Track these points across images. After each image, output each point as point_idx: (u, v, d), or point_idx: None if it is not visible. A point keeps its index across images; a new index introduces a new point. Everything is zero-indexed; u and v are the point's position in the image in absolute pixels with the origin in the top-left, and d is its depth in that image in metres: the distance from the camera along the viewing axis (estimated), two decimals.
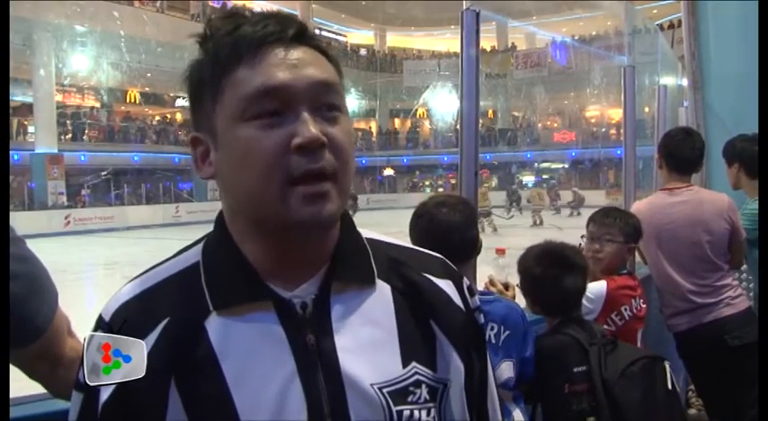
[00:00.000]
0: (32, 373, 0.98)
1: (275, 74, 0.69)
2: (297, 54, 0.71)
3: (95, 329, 0.74)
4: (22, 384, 1.02)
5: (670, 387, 1.71)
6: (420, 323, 0.77)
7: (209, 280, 0.74)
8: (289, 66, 0.70)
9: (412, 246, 0.87)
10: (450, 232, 1.59)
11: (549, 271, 1.86)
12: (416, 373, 0.74)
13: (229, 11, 0.74)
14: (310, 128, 0.68)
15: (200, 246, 0.78)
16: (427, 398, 0.74)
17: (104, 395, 0.70)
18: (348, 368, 0.71)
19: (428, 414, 0.73)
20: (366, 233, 0.82)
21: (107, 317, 0.74)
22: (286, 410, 0.69)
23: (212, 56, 0.72)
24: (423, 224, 1.64)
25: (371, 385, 0.71)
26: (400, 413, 0.72)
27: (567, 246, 1.95)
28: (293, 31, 0.72)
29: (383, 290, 0.77)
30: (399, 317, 0.76)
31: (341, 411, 0.70)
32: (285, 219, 0.69)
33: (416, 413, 0.73)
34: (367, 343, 0.74)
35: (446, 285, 0.81)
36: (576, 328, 1.81)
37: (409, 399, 0.73)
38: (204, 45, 0.74)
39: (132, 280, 0.78)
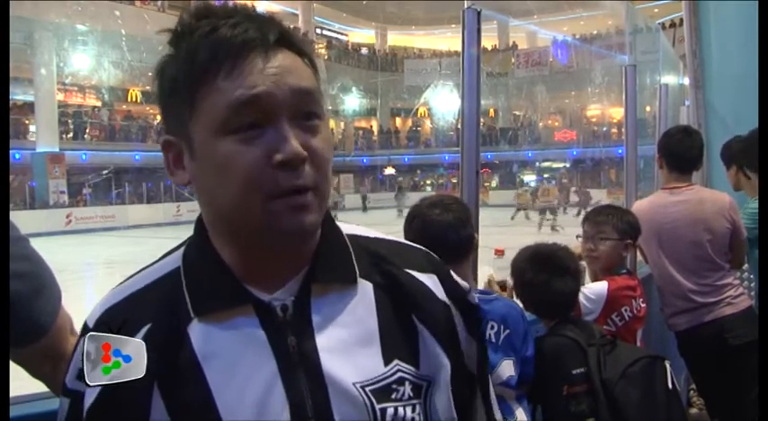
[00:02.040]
0: (36, 372, 0.98)
1: (255, 84, 0.67)
2: (277, 61, 0.69)
3: (82, 335, 0.75)
4: (22, 383, 1.02)
5: (670, 386, 1.71)
6: (402, 320, 0.77)
7: (190, 286, 0.74)
8: (269, 75, 0.68)
9: (395, 239, 0.86)
10: (444, 232, 1.59)
11: (540, 274, 1.87)
12: (399, 371, 0.74)
13: (203, 8, 0.71)
14: (292, 143, 0.67)
15: (181, 250, 0.78)
16: (411, 394, 0.74)
17: (89, 400, 0.71)
18: (330, 368, 0.71)
19: (413, 410, 0.73)
20: (348, 228, 0.82)
21: (91, 324, 0.75)
22: (268, 412, 0.69)
23: (187, 58, 0.69)
24: (417, 225, 1.64)
25: (354, 384, 0.71)
26: (384, 411, 0.72)
27: (558, 247, 1.95)
28: (274, 37, 0.70)
29: (365, 288, 0.77)
30: (381, 316, 0.76)
31: (324, 411, 0.70)
32: (267, 230, 0.69)
33: (401, 410, 0.73)
34: (348, 343, 0.73)
35: (428, 279, 0.80)
36: (574, 329, 1.81)
37: (393, 397, 0.73)
38: (177, 44, 0.70)
39: (116, 286, 0.78)
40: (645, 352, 1.87)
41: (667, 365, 1.74)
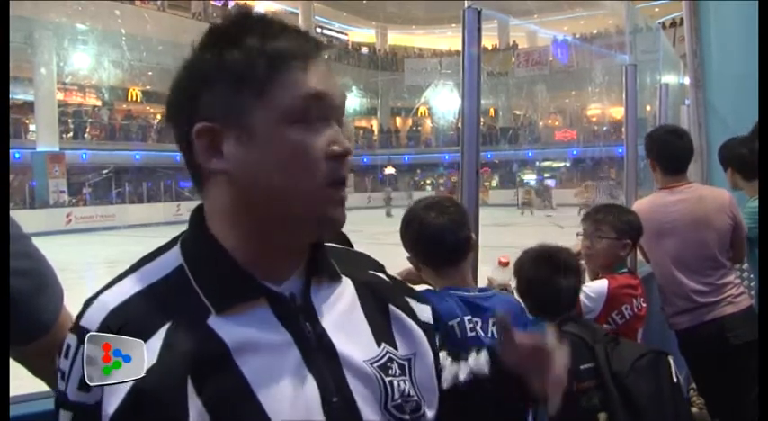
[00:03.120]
0: (37, 371, 0.98)
1: (324, 82, 0.75)
2: (330, 71, 0.78)
3: (80, 342, 0.70)
4: (22, 382, 1.02)
5: (675, 380, 1.73)
6: (380, 310, 0.85)
7: (203, 283, 0.75)
8: (329, 77, 0.77)
9: (342, 247, 0.93)
10: (442, 235, 1.57)
11: (543, 274, 1.91)
12: (388, 352, 0.82)
13: (256, 13, 0.77)
14: (345, 139, 0.76)
15: (177, 248, 0.78)
16: (399, 371, 0.82)
17: (110, 408, 0.67)
18: (342, 349, 0.78)
19: (405, 384, 0.82)
20: None
21: (94, 328, 0.70)
22: (303, 396, 0.73)
23: (261, 49, 0.73)
24: (413, 229, 1.61)
25: (364, 361, 0.79)
26: (391, 383, 0.80)
27: (560, 248, 1.98)
28: (323, 49, 0.78)
29: (347, 283, 0.85)
30: (363, 307, 0.84)
31: (343, 389, 0.76)
32: (318, 218, 0.76)
33: (401, 383, 0.81)
34: (349, 326, 0.81)
35: (383, 276, 0.91)
36: (577, 327, 1.82)
37: (390, 372, 0.81)
38: (233, 38, 0.74)
39: (109, 288, 0.75)
40: (648, 347, 1.88)
41: (671, 360, 1.75)
